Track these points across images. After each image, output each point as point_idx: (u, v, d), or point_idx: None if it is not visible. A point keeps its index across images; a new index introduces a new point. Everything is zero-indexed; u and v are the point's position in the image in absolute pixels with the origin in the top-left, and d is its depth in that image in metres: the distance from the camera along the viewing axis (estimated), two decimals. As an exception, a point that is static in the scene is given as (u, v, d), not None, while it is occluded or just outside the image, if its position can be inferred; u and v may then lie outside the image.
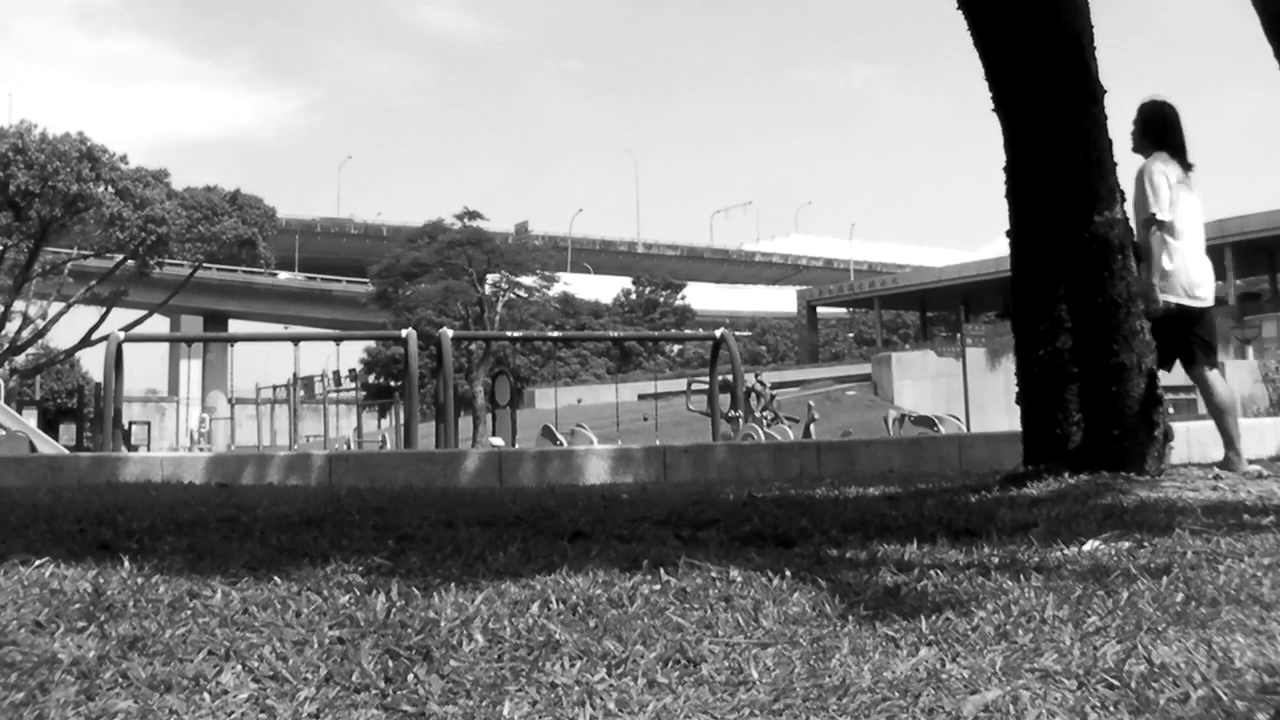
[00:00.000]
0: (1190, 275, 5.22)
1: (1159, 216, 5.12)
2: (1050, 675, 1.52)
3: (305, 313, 67.53)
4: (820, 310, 64.09)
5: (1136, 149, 5.42)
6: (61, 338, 40.03)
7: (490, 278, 41.31)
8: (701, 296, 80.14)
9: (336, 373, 29.06)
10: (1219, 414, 5.28)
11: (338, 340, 18.19)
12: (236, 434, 17.50)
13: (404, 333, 13.77)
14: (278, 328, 58.68)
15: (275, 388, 31.10)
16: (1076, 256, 4.75)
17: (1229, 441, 5.24)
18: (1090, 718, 1.37)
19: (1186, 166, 5.30)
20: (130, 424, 27.19)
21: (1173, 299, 5.14)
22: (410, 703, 1.47)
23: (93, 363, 42.32)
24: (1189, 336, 5.25)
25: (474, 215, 42.16)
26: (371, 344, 59.46)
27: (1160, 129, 5.34)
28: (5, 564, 2.40)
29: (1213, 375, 5.29)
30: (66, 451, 19.76)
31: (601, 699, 1.48)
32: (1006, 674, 1.52)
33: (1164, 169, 5.21)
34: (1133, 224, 5.11)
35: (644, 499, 4.43)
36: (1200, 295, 5.25)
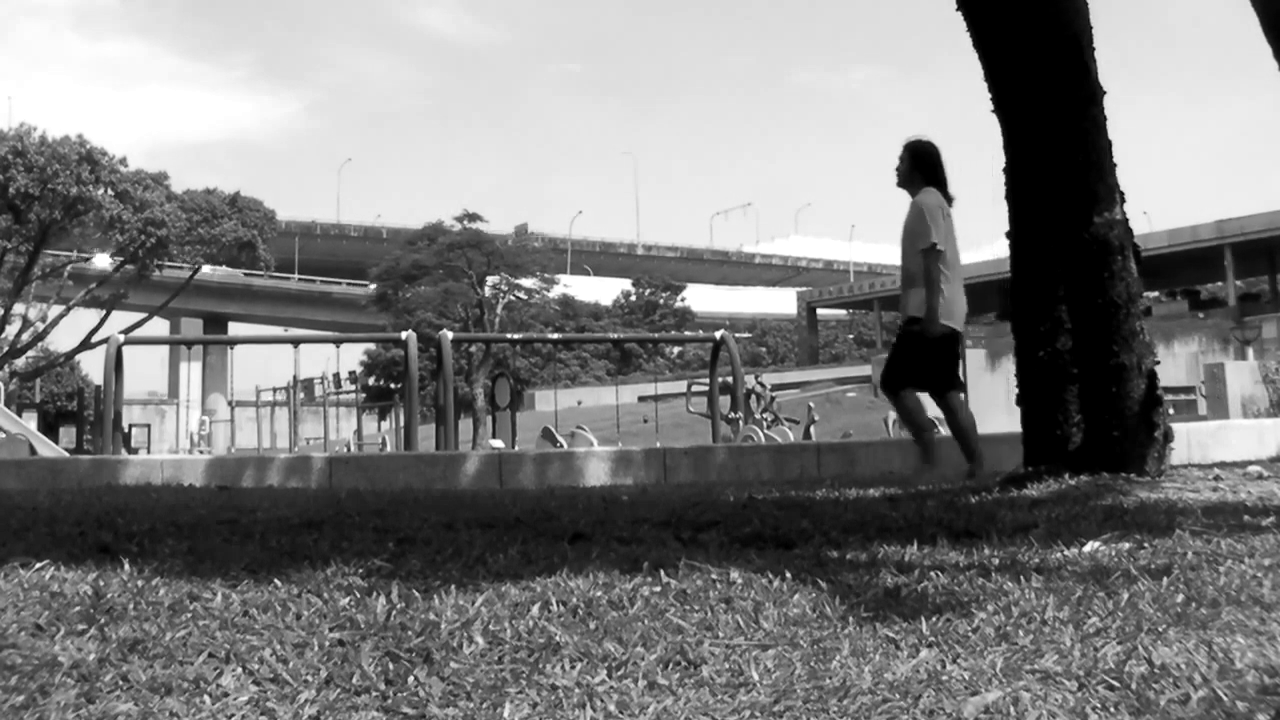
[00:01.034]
0: (957, 302, 5.76)
1: (939, 247, 5.60)
2: (1051, 676, 1.52)
3: (305, 315, 67.49)
4: (820, 312, 64.09)
5: (904, 184, 5.90)
6: (61, 340, 40.02)
7: (490, 280, 41.32)
8: (701, 298, 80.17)
9: (336, 375, 29.06)
10: (964, 433, 5.75)
11: (337, 343, 18.17)
12: (236, 436, 17.48)
13: (404, 335, 13.77)
14: (278, 330, 58.68)
15: (275, 390, 31.12)
16: (1076, 257, 4.75)
17: (974, 454, 5.71)
18: (1091, 719, 1.37)
19: (950, 200, 5.82)
20: (130, 427, 27.21)
21: (947, 323, 5.65)
22: (411, 705, 1.47)
23: (93, 365, 42.32)
24: (954, 359, 5.81)
25: (473, 217, 42.18)
26: (371, 346, 59.45)
27: (930, 166, 5.84)
28: (5, 567, 2.40)
29: (960, 399, 5.89)
30: (66, 454, 19.76)
31: (602, 701, 1.47)
32: (1007, 675, 1.52)
33: (940, 204, 5.71)
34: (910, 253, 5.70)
35: (644, 501, 4.43)
36: (959, 322, 5.82)
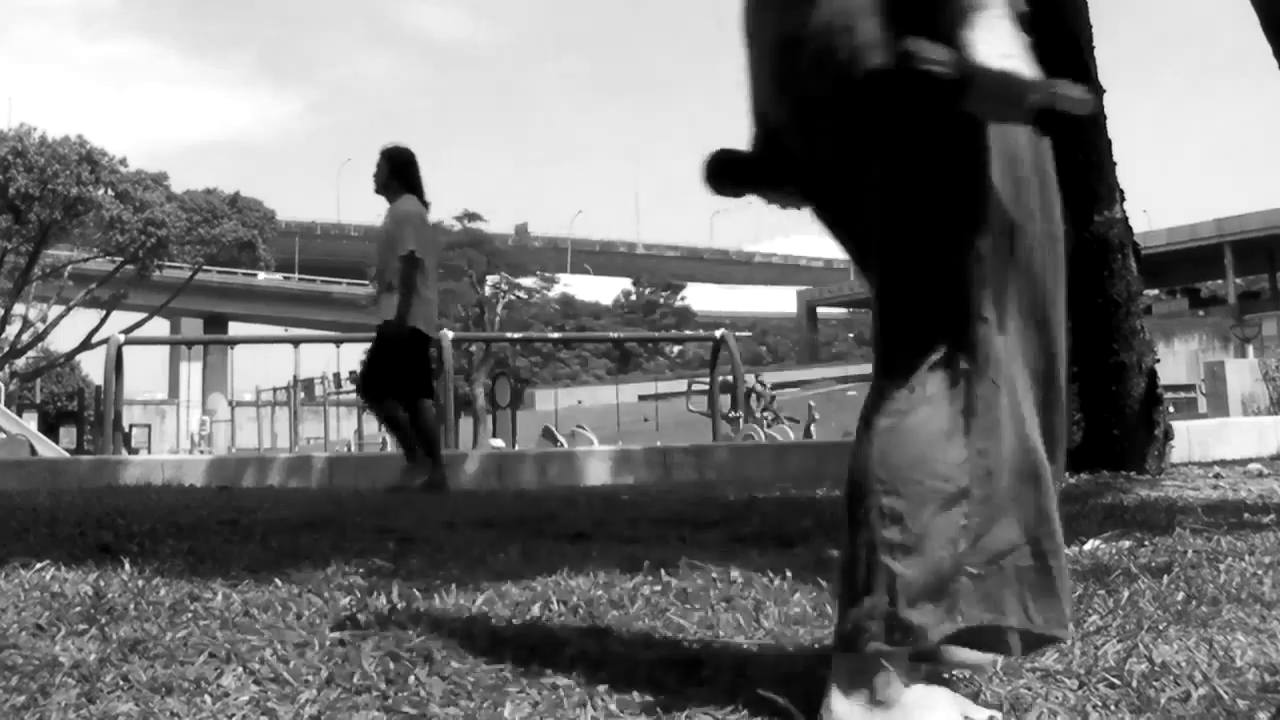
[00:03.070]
0: (433, 308, 5.90)
1: (419, 254, 5.71)
2: (1051, 675, 1.52)
3: (305, 315, 67.38)
4: (820, 310, 64.14)
5: (382, 191, 6.03)
6: (61, 341, 40.01)
7: (490, 279, 41.37)
8: (701, 297, 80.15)
9: (337, 375, 28.99)
10: (429, 435, 5.85)
11: (338, 343, 18.16)
12: (237, 436, 17.50)
13: (404, 335, 13.75)
14: (278, 330, 58.57)
15: (275, 390, 31.09)
16: (1076, 256, 4.74)
17: (438, 460, 5.85)
18: (1091, 717, 1.37)
19: (426, 206, 5.99)
20: (131, 427, 27.19)
21: (421, 326, 5.75)
22: (411, 704, 1.47)
23: (93, 366, 42.25)
24: (427, 366, 5.94)
25: (473, 217, 42.22)
26: (372, 346, 59.31)
27: (407, 174, 5.96)
28: (6, 567, 2.40)
29: (430, 405, 5.97)
30: (67, 455, 19.76)
31: (602, 700, 1.47)
32: (1008, 673, 1.52)
33: (419, 211, 5.88)
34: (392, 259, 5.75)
35: (645, 500, 4.43)
36: (433, 329, 5.98)
